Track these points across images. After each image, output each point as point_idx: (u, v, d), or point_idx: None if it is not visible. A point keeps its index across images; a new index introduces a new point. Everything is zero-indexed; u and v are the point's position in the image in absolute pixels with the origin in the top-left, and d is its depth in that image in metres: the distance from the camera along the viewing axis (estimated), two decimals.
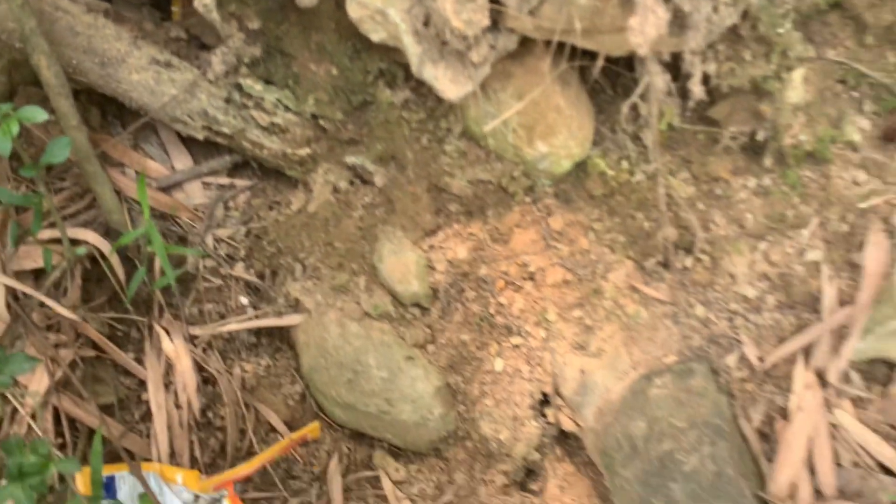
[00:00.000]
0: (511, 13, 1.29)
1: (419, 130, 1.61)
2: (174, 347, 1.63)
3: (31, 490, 1.09)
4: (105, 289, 1.67)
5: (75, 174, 1.69)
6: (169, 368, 1.64)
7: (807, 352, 1.46)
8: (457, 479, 1.64)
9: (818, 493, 1.42)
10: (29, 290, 1.49)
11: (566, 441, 1.64)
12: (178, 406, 1.63)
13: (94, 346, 1.61)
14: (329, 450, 1.68)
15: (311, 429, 1.63)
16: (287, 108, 1.64)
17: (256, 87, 1.62)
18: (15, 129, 1.25)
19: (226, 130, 1.63)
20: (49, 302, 1.49)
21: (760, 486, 1.40)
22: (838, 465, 1.42)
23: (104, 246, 1.57)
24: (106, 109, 1.77)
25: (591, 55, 1.39)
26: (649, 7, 1.12)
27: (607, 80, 1.60)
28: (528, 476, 1.66)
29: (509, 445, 1.59)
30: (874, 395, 1.44)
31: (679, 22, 1.21)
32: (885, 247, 1.41)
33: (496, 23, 1.34)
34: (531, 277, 1.58)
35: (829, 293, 1.45)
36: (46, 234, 1.54)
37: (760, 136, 1.47)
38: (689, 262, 1.54)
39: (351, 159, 1.65)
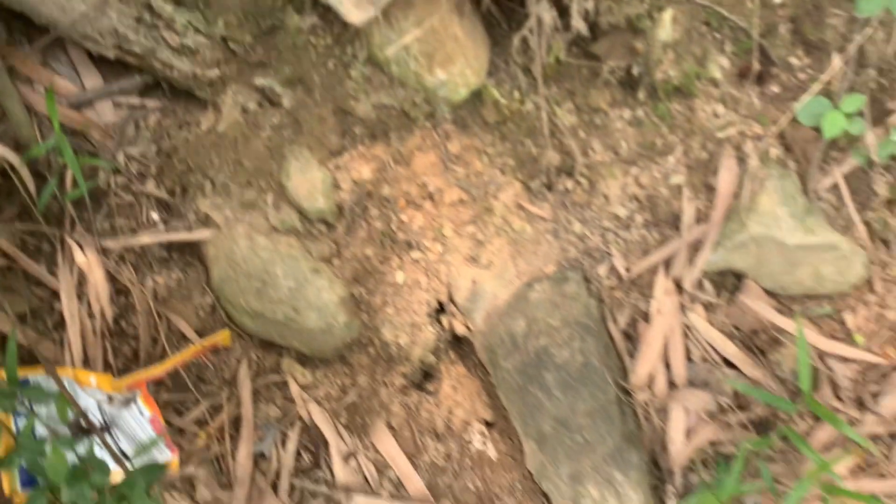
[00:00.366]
0: None
1: (326, 55, 1.70)
2: (86, 259, 1.70)
3: None
4: (15, 202, 1.71)
5: None
6: (82, 280, 1.70)
7: (667, 263, 1.66)
8: (360, 382, 1.78)
9: (671, 383, 1.64)
10: None
11: (459, 346, 1.81)
12: (91, 315, 1.70)
13: (6, 256, 1.66)
14: (239, 357, 1.79)
15: (222, 336, 1.74)
16: (197, 30, 1.69)
17: (167, 8, 1.67)
18: None
19: (136, 50, 1.67)
20: None
21: (623, 377, 1.61)
22: (689, 359, 1.64)
23: (14, 158, 1.61)
24: (12, 26, 1.78)
25: None
26: None
27: (502, 14, 1.73)
28: (425, 378, 1.82)
29: (408, 350, 1.74)
30: (722, 301, 1.66)
31: None
32: (735, 171, 1.62)
33: None
34: (430, 197, 1.72)
35: (688, 212, 1.65)
36: None
37: (635, 70, 1.64)
38: (569, 184, 1.71)
39: (259, 81, 1.73)
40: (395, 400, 1.79)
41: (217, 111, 1.76)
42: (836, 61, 1.52)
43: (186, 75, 1.72)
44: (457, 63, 1.64)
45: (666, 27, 1.58)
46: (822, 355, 1.62)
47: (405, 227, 1.72)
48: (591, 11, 1.54)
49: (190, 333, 1.74)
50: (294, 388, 1.78)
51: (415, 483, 1.75)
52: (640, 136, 1.69)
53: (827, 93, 1.57)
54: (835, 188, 1.62)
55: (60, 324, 1.71)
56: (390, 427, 1.79)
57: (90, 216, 1.73)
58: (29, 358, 1.62)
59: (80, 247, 1.70)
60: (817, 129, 1.57)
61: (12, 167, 1.62)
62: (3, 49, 1.68)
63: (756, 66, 1.62)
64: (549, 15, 1.54)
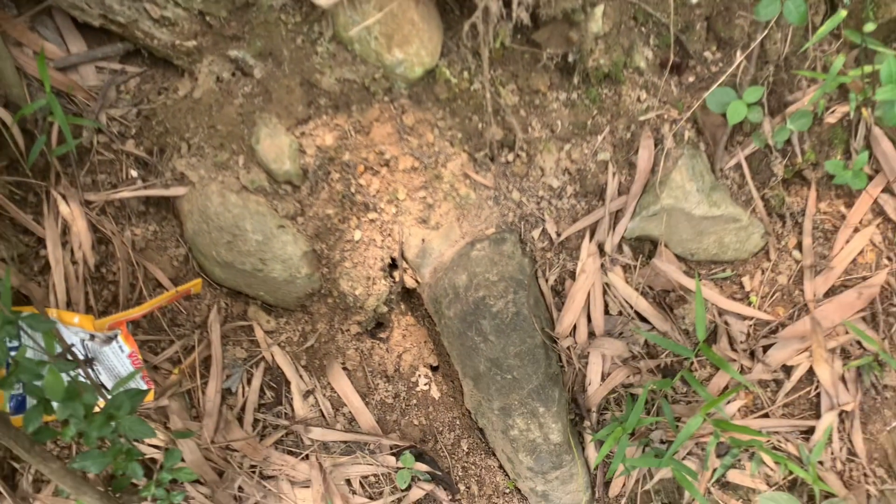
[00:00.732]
0: None
1: (295, 32, 1.88)
2: (70, 210, 1.86)
3: None
4: (4, 156, 1.86)
5: None
6: (66, 229, 1.87)
7: (592, 229, 1.89)
8: (319, 328, 1.99)
9: (591, 333, 1.88)
10: None
11: (409, 298, 2.02)
12: (73, 262, 1.87)
13: None
14: (209, 303, 1.97)
15: (194, 284, 1.92)
16: (177, 4, 1.85)
17: None
18: None
19: (120, 19, 1.83)
20: None
21: (550, 327, 1.84)
22: (608, 313, 1.88)
23: (6, 116, 1.76)
24: None
25: None
26: None
27: (455, 1, 1.92)
28: (378, 326, 2.03)
29: (363, 300, 1.95)
30: (638, 264, 1.90)
31: None
32: (652, 150, 1.85)
33: None
34: (386, 164, 1.92)
35: (612, 185, 1.88)
36: None
37: (571, 58, 1.85)
38: (510, 156, 1.92)
39: (233, 53, 1.90)
40: (350, 345, 2.00)
41: (193, 79, 1.93)
42: (740, 57, 1.75)
43: (166, 45, 1.88)
44: (413, 44, 1.83)
45: (597, 20, 1.80)
46: (721, 312, 1.87)
47: (363, 190, 1.92)
48: (531, 4, 1.74)
49: (165, 281, 1.92)
50: (259, 333, 1.98)
51: (366, 418, 1.97)
52: (573, 117, 1.91)
53: (733, 84, 1.80)
54: (738, 167, 1.86)
55: (45, 269, 1.87)
56: (345, 369, 2.00)
57: (74, 171, 1.89)
58: (16, 300, 1.78)
59: (65, 199, 1.86)
60: (724, 116, 1.81)
61: (4, 124, 1.77)
62: None
63: (675, 58, 1.85)
64: (495, 5, 1.74)
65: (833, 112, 1.82)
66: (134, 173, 1.94)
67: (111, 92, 1.95)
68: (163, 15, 1.85)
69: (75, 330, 1.79)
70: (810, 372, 1.86)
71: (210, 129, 1.91)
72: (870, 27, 1.57)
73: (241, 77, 1.92)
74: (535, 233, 1.88)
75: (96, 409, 1.51)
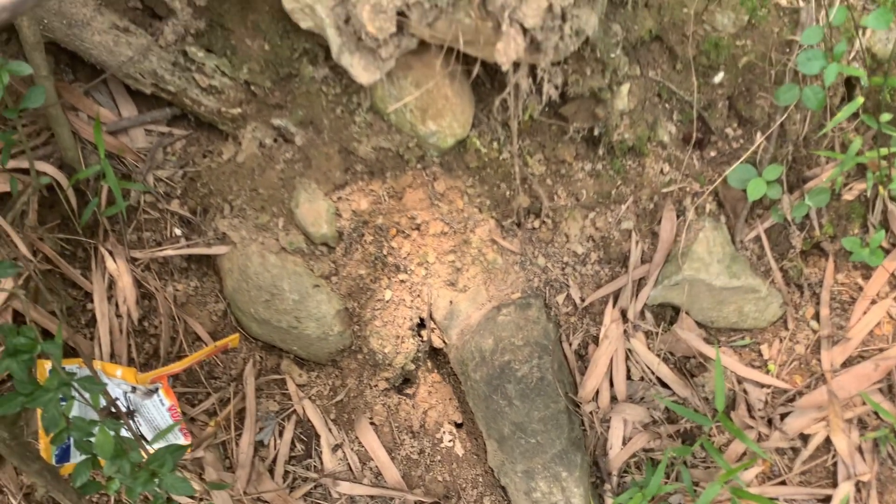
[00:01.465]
0: (413, 24, 1.68)
1: (335, 102, 1.98)
2: (117, 266, 1.96)
3: (23, 364, 1.43)
4: (56, 214, 1.97)
5: (32, 113, 1.96)
6: (112, 284, 1.97)
7: (615, 296, 1.96)
8: (348, 384, 2.06)
9: (614, 397, 1.94)
10: None
11: (435, 356, 2.09)
12: (118, 316, 1.97)
13: (48, 261, 1.91)
14: (245, 357, 2.06)
15: (232, 339, 2.01)
16: (224, 74, 1.96)
17: (199, 55, 1.94)
18: (6, 79, 1.54)
19: (171, 88, 1.94)
20: (7, 227, 1.78)
21: (573, 391, 1.91)
22: (630, 378, 1.94)
23: (61, 178, 1.87)
24: (59, 58, 2.04)
25: (474, 58, 1.81)
26: (512, 36, 1.54)
27: (487, 75, 2.02)
28: (405, 382, 2.11)
29: (391, 358, 2.02)
30: (660, 330, 1.96)
31: (535, 46, 1.64)
32: (674, 221, 1.92)
33: (401, 28, 1.73)
34: (417, 228, 2.00)
35: (635, 254, 1.95)
36: (12, 164, 1.83)
37: (596, 131, 1.94)
38: (536, 223, 2.00)
39: (276, 121, 2.00)
40: (377, 400, 2.07)
41: (237, 143, 2.04)
42: (760, 137, 1.83)
43: (212, 111, 1.99)
44: (446, 117, 1.93)
45: (623, 98, 1.89)
46: (740, 380, 1.93)
47: (395, 252, 2.00)
48: (560, 82, 1.83)
49: (204, 335, 2.01)
50: (291, 387, 2.05)
51: (392, 473, 2.03)
52: (598, 186, 1.99)
53: (753, 161, 1.88)
54: (758, 240, 1.93)
55: (92, 322, 1.97)
56: (373, 424, 2.06)
57: (122, 229, 1.99)
58: (63, 351, 1.87)
59: (112, 255, 1.96)
60: (745, 191, 1.88)
61: (59, 185, 1.88)
62: (56, 83, 1.93)
63: (697, 134, 1.93)
64: (525, 82, 1.83)
65: (850, 189, 1.89)
66: (178, 232, 2.04)
67: (159, 154, 2.06)
68: (210, 84, 1.96)
69: (118, 382, 1.88)
70: (827, 441, 1.90)
71: (252, 192, 2.00)
72: (885, 117, 1.64)
73: (282, 143, 2.02)
74: (560, 298, 1.95)
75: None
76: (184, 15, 1.90)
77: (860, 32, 1.68)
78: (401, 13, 1.67)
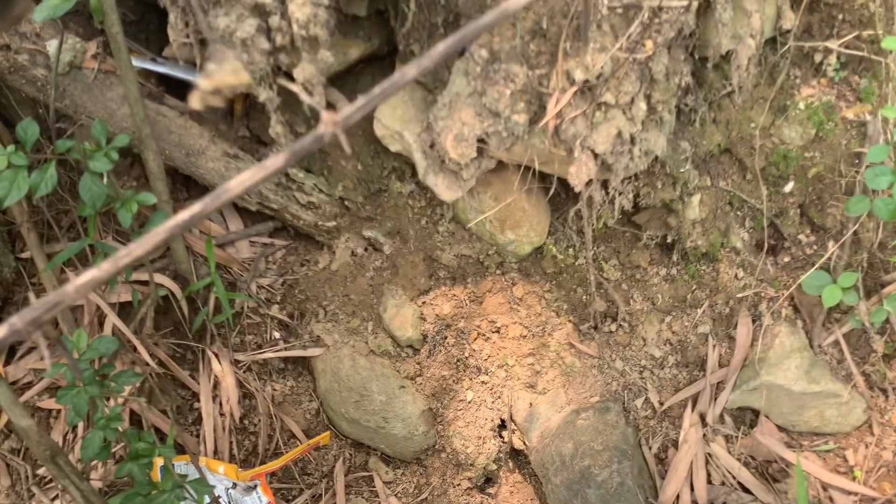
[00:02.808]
0: (492, 149, 1.83)
1: (420, 214, 2.14)
2: (222, 368, 2.14)
3: (143, 467, 1.59)
4: (169, 320, 2.17)
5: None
6: (216, 385, 2.14)
7: (694, 400, 1.99)
8: (432, 482, 2.14)
9: (694, 502, 1.94)
10: (118, 323, 1.99)
11: (517, 457, 2.15)
12: (222, 414, 2.13)
13: (161, 364, 2.11)
14: (335, 454, 2.17)
15: (323, 437, 2.13)
16: (321, 191, 2.16)
17: (300, 175, 2.14)
18: (135, 209, 1.76)
19: (274, 206, 2.14)
20: (124, 332, 1.99)
21: (654, 496, 1.93)
22: (710, 483, 1.95)
23: (176, 289, 2.08)
24: (175, 179, 2.28)
25: (549, 174, 1.94)
26: (584, 161, 1.66)
27: (562, 186, 2.14)
28: (487, 482, 2.17)
29: (474, 458, 2.10)
30: (740, 434, 1.97)
31: (606, 167, 1.75)
32: (750, 326, 1.95)
33: (481, 152, 1.88)
34: (497, 331, 2.11)
35: (712, 358, 1.99)
36: (134, 277, 2.05)
37: (669, 238, 2.02)
38: (613, 327, 2.07)
39: (367, 233, 2.17)
40: (461, 500, 2.14)
41: (332, 253, 2.21)
42: (833, 246, 1.87)
43: (310, 224, 2.18)
44: (523, 227, 2.05)
45: (694, 208, 1.97)
46: (825, 486, 1.90)
47: (476, 354, 2.10)
48: (631, 197, 1.93)
49: (298, 433, 2.14)
50: (378, 484, 2.15)
51: None
52: (673, 291, 2.05)
53: (828, 267, 1.91)
54: (837, 344, 1.94)
55: (198, 420, 2.13)
56: None
57: (227, 333, 2.17)
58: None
59: (217, 358, 2.14)
60: (820, 297, 1.90)
61: (173, 295, 2.08)
62: (174, 203, 2.17)
63: (769, 240, 1.98)
64: (598, 195, 1.95)
65: None
66: (277, 335, 2.21)
67: (261, 264, 2.25)
68: (309, 200, 2.15)
69: (220, 478, 2.02)
70: None
71: (344, 298, 2.16)
72: None
73: (372, 252, 2.19)
74: (639, 402, 2.00)
75: None
76: (286, 141, 2.11)
77: None
78: (480, 140, 1.82)
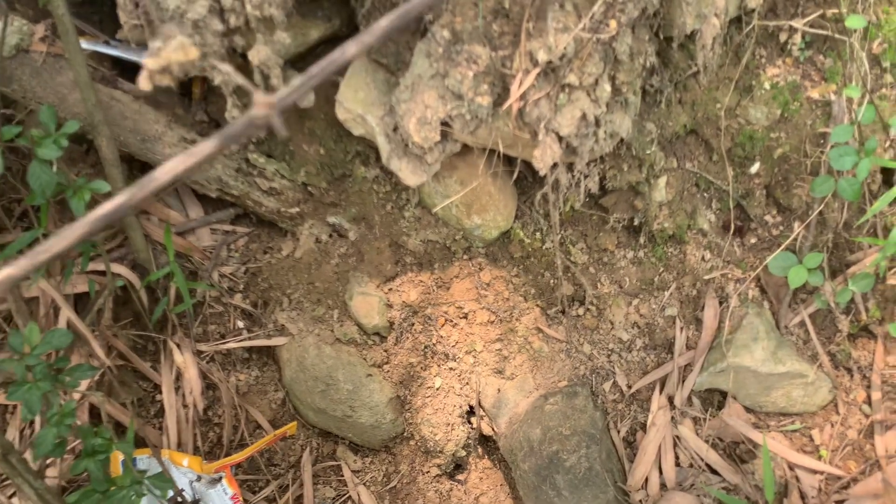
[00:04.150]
0: (456, 132, 1.79)
1: (385, 199, 2.10)
2: (184, 359, 2.09)
3: (100, 463, 1.54)
4: (129, 311, 2.11)
5: None
6: (179, 376, 2.09)
7: (662, 382, 1.98)
8: (401, 469, 2.12)
9: (663, 485, 1.94)
10: (72, 315, 1.93)
11: (485, 443, 2.14)
12: (185, 406, 2.08)
13: (121, 356, 2.05)
14: (302, 444, 2.14)
15: (290, 427, 2.10)
16: (283, 177, 2.11)
17: (260, 160, 2.09)
18: (88, 197, 1.70)
19: (234, 192, 2.09)
20: (79, 326, 1.93)
21: (623, 480, 1.92)
22: (679, 465, 1.95)
23: (134, 279, 2.02)
24: (132, 167, 2.21)
25: (515, 157, 1.90)
26: (548, 144, 1.63)
27: (529, 170, 2.11)
28: (456, 468, 2.15)
29: (443, 444, 2.08)
30: (708, 416, 1.97)
31: (571, 150, 1.73)
32: (717, 308, 1.95)
33: (445, 136, 1.84)
34: (465, 317, 2.08)
35: (680, 340, 1.98)
36: (90, 267, 1.99)
37: (636, 221, 2.00)
38: (581, 311, 2.06)
39: (331, 219, 2.13)
40: (430, 486, 2.12)
41: (295, 240, 2.16)
42: (798, 227, 1.86)
43: (272, 211, 2.13)
44: (490, 212, 2.02)
45: (661, 190, 1.95)
46: (792, 466, 1.91)
47: (443, 341, 2.08)
48: (598, 179, 1.91)
49: (264, 423, 2.11)
50: (347, 473, 2.12)
51: None
52: (640, 274, 2.04)
53: (794, 248, 1.91)
54: (803, 324, 1.94)
55: (160, 412, 2.09)
56: None
57: (189, 323, 2.12)
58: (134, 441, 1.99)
59: (179, 348, 2.09)
60: (787, 278, 1.90)
61: (132, 286, 2.03)
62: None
63: (736, 222, 1.97)
64: (565, 178, 1.92)
65: (895, 272, 1.89)
66: (240, 324, 2.17)
67: (223, 252, 2.20)
68: (271, 186, 2.10)
69: (184, 471, 1.98)
70: None
71: (309, 286, 2.12)
72: None
73: (337, 239, 2.14)
74: (607, 385, 1.99)
75: None
76: None
77: (889, 139, 1.71)
78: (444, 123, 1.78)
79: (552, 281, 2.07)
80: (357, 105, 1.92)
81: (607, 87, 1.62)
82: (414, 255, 2.11)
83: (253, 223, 2.24)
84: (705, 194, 2.00)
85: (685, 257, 2.01)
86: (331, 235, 2.14)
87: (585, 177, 1.90)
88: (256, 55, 1.66)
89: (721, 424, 1.96)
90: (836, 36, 1.77)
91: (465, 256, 2.10)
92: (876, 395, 1.92)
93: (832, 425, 1.94)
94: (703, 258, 2.00)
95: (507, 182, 2.05)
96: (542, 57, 1.56)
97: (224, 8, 1.56)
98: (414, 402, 2.08)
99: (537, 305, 2.06)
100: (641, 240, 2.03)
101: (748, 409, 1.97)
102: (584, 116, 1.64)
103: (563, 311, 2.06)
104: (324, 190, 2.12)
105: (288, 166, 2.11)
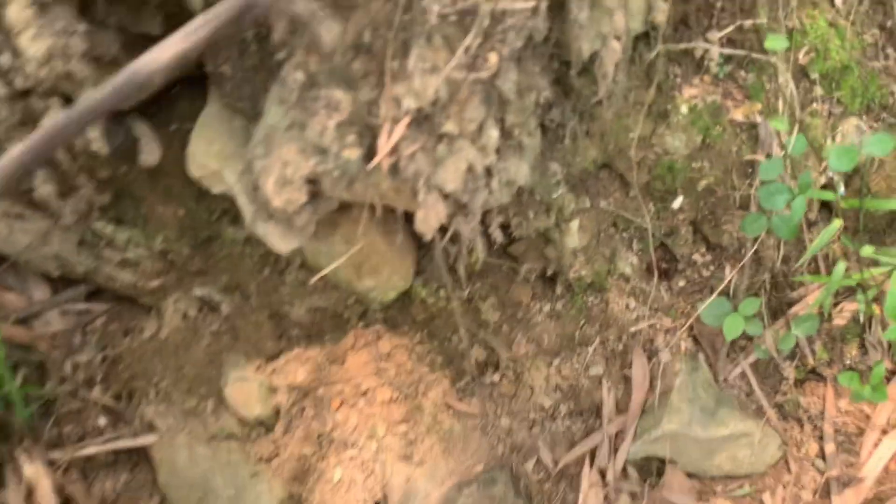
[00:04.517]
0: (327, 190, 1.50)
1: (261, 263, 1.80)
2: (34, 472, 1.75)
3: None
4: None
5: None
6: (30, 493, 1.76)
7: (592, 454, 1.73)
8: None
9: None
10: None
11: None
12: None
13: None
14: None
15: None
16: (137, 245, 1.79)
17: (108, 229, 1.76)
18: None
19: (79, 269, 1.76)
20: None
21: None
22: None
23: None
24: None
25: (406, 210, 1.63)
26: (430, 204, 1.36)
27: None
28: None
29: None
30: (647, 489, 1.73)
31: (461, 207, 1.45)
32: (646, 365, 1.71)
33: (316, 194, 1.55)
34: (363, 395, 1.80)
35: (608, 403, 1.74)
36: None
37: (550, 271, 1.75)
38: (496, 377, 1.79)
39: (199, 290, 1.82)
40: None
41: (160, 317, 1.85)
42: (730, 270, 1.63)
43: (129, 285, 1.81)
44: (383, 271, 1.74)
45: (573, 235, 1.70)
46: None
47: (340, 426, 1.79)
48: (502, 228, 1.64)
49: None
50: None
51: None
52: (560, 329, 1.78)
53: (728, 292, 1.67)
54: (744, 376, 1.72)
55: None
56: None
57: (38, 426, 1.79)
58: None
59: (29, 456, 1.76)
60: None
61: None
62: None
63: (661, 263, 1.73)
64: (466, 229, 1.65)
65: (841, 311, 1.68)
66: (102, 422, 1.84)
67: (76, 337, 1.87)
68: (123, 258, 1.78)
69: None
70: None
71: (177, 372, 1.81)
72: (868, 250, 1.44)
73: (208, 313, 1.84)
74: (529, 465, 1.73)
75: None
76: (86, 190, 1.73)
77: (824, 164, 1.49)
78: (311, 181, 1.49)
79: (461, 345, 1.80)
80: (211, 159, 1.62)
81: (494, 133, 1.35)
82: (300, 326, 1.81)
83: (111, 298, 1.91)
84: (624, 234, 1.76)
85: (608, 307, 1.77)
86: (200, 310, 1.84)
87: (488, 227, 1.63)
88: None
89: (661, 497, 1.72)
90: (757, 56, 1.54)
91: (361, 324, 1.82)
92: (829, 448, 1.71)
93: (784, 486, 1.72)
94: (627, 306, 1.76)
95: (402, 235, 1.77)
96: (410, 103, 1.28)
97: (1, 68, 1.24)
98: (311, 499, 1.79)
99: (445, 376, 1.79)
100: (558, 290, 1.78)
101: (691, 475, 1.74)
102: (470, 168, 1.37)
103: (473, 378, 1.80)
104: (187, 257, 1.81)
105: (142, 233, 1.79)
